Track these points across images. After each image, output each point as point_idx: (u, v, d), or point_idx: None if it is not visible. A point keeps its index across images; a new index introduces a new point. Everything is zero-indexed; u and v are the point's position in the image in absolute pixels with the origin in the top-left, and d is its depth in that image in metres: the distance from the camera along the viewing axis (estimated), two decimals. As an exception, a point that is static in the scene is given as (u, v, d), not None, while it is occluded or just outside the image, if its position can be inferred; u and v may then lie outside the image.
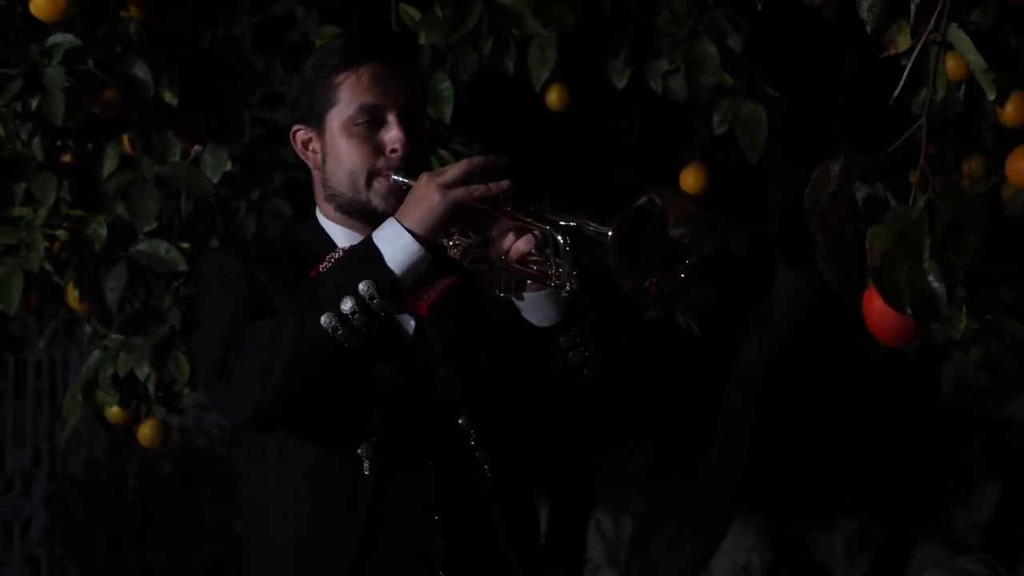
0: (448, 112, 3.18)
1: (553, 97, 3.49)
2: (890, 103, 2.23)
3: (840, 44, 3.81)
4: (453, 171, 2.31)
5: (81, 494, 6.69)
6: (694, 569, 4.77)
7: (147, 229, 3.29)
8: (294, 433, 2.40)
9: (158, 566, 6.53)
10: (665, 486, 5.41)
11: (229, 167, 3.36)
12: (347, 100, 2.46)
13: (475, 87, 3.38)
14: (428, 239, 2.30)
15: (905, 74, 2.23)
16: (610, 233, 2.14)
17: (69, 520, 6.63)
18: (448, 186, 2.30)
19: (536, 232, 2.27)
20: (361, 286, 2.27)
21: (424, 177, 2.33)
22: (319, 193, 2.53)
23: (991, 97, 2.22)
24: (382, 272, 2.28)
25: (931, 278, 2.09)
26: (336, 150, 2.47)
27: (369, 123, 2.45)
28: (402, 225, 2.31)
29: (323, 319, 2.27)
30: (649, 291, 2.19)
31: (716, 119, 3.42)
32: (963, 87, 3.41)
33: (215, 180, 3.33)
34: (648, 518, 5.07)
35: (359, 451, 2.39)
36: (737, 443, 4.66)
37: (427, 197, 2.30)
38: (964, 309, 2.06)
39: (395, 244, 2.30)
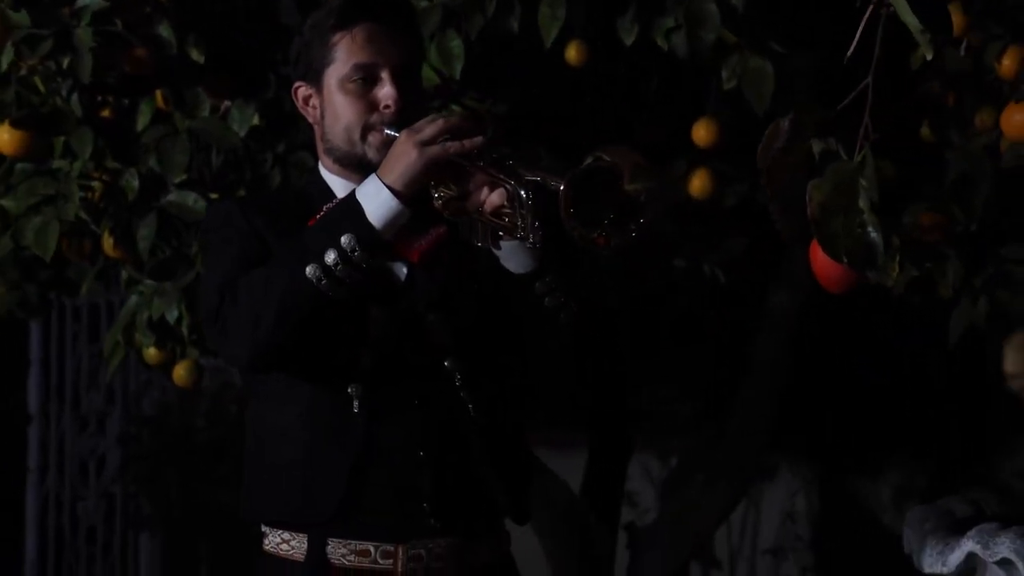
0: (458, 68, 3.32)
1: (572, 54, 3.61)
2: (844, 62, 2.34)
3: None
4: (430, 129, 2.47)
5: (153, 434, 6.90)
6: (723, 512, 4.87)
7: (177, 180, 3.47)
8: (289, 374, 2.57)
9: (226, 504, 6.74)
10: (705, 430, 5.51)
11: (256, 121, 3.51)
12: (343, 59, 2.61)
13: (490, 43, 3.52)
14: (406, 194, 2.46)
15: (858, 35, 2.34)
16: (562, 187, 2.28)
17: (142, 459, 6.84)
18: (425, 143, 2.46)
19: (508, 186, 2.42)
20: (343, 239, 2.44)
21: (403, 134, 2.49)
22: (319, 147, 2.70)
23: (928, 57, 2.32)
24: (362, 226, 2.45)
25: (870, 229, 2.21)
26: (333, 106, 2.63)
27: (363, 80, 2.60)
28: (382, 181, 2.47)
29: (308, 270, 2.44)
30: (596, 243, 2.33)
31: (724, 74, 3.53)
32: (964, 43, 3.51)
33: (242, 134, 3.49)
34: (684, 462, 5.18)
35: (349, 390, 2.56)
36: (767, 389, 4.74)
37: (405, 154, 2.46)
38: (897, 258, 2.18)
39: (375, 199, 2.46)
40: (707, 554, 6.38)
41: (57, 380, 6.79)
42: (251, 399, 2.68)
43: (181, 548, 6.82)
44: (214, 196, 3.49)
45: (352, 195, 2.49)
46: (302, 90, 2.68)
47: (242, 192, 3.56)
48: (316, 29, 2.64)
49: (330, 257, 2.43)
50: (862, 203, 2.20)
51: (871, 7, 2.31)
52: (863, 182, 2.20)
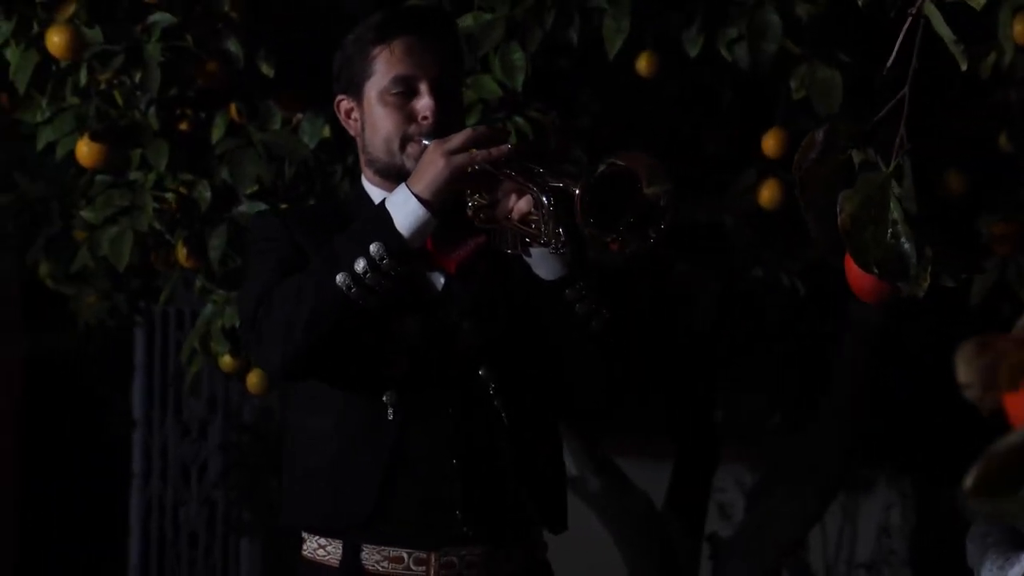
0: (520, 81, 3.36)
1: (643, 64, 3.63)
2: (884, 72, 2.33)
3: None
4: (457, 138, 2.51)
5: (254, 441, 6.97)
6: (806, 522, 4.85)
7: (248, 192, 3.54)
8: (324, 381, 2.62)
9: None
10: (789, 441, 5.48)
11: (326, 133, 3.56)
12: (382, 72, 2.66)
13: (555, 56, 3.55)
14: (434, 203, 2.50)
15: (898, 44, 2.33)
16: (577, 191, 2.30)
17: (243, 466, 6.91)
18: (452, 152, 2.49)
19: (534, 192, 2.44)
20: (372, 247, 2.48)
21: (432, 145, 2.53)
22: (361, 159, 2.75)
23: (963, 68, 2.31)
24: (391, 234, 2.49)
25: (903, 240, 2.20)
26: (373, 118, 2.67)
27: (402, 93, 2.65)
28: (410, 191, 2.51)
29: (339, 278, 2.48)
30: (610, 247, 2.35)
31: (793, 84, 3.53)
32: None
33: (312, 146, 3.55)
34: (767, 471, 5.15)
35: (384, 398, 2.60)
36: (848, 398, 4.72)
37: (433, 163, 2.51)
38: (928, 269, 2.16)
39: (404, 208, 2.50)
40: (802, 566, 6.35)
41: (160, 387, 6.93)
42: (287, 406, 2.72)
43: (280, 554, 6.89)
44: (284, 207, 3.55)
45: (382, 204, 2.54)
46: (344, 103, 2.73)
47: (312, 203, 3.61)
48: (357, 43, 2.69)
49: (359, 265, 2.47)
50: (894, 213, 2.19)
51: (911, 18, 2.29)
52: (896, 192, 2.19)
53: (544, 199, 2.38)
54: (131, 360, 6.93)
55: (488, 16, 3.36)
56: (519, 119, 3.40)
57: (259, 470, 6.87)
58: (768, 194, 3.79)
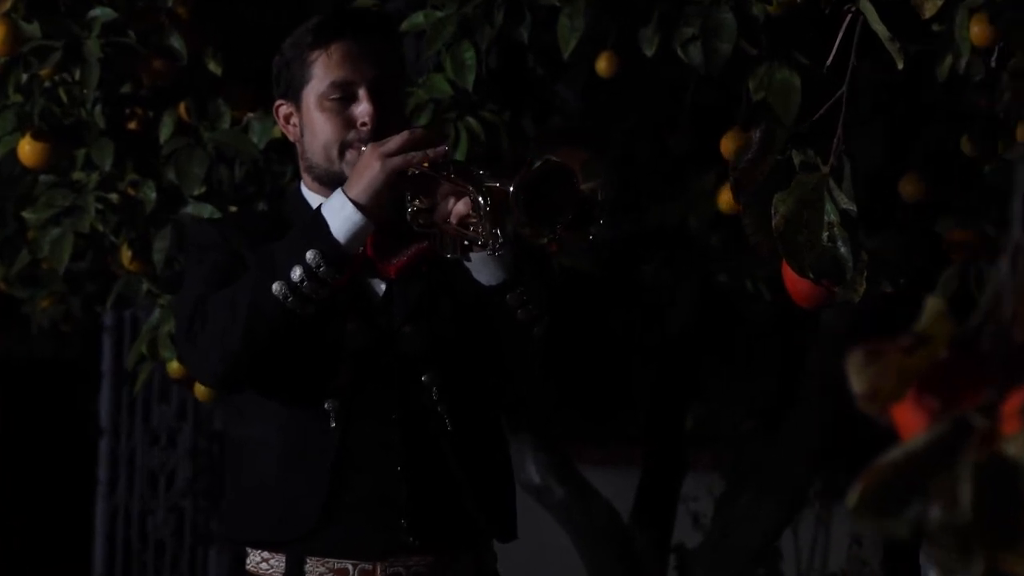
0: (470, 80, 3.28)
1: (603, 65, 3.55)
2: (824, 70, 2.26)
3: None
4: (394, 141, 2.46)
5: (223, 448, 6.92)
6: (772, 531, 4.77)
7: (195, 193, 3.46)
8: (263, 391, 2.56)
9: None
10: (752, 449, 5.42)
11: (276, 133, 3.44)
12: (320, 76, 2.60)
13: (511, 56, 3.48)
14: (370, 207, 2.44)
15: (836, 44, 2.26)
16: (511, 189, 2.24)
17: (212, 472, 6.80)
18: (388, 155, 2.44)
19: (471, 194, 2.37)
20: (308, 255, 2.42)
21: (368, 148, 2.47)
22: (300, 164, 2.71)
23: (900, 66, 2.24)
24: (327, 241, 2.43)
25: (839, 243, 2.14)
26: (312, 124, 2.62)
27: (341, 98, 2.60)
28: (346, 196, 2.44)
29: (275, 287, 2.42)
30: (548, 247, 2.29)
31: (752, 86, 3.45)
32: (996, 52, 3.39)
33: (262, 146, 3.47)
34: (732, 480, 5.09)
35: (325, 406, 2.54)
36: (817, 407, 4.64)
37: (368, 167, 2.45)
38: (865, 273, 2.09)
39: (340, 214, 2.44)
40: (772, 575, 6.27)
41: (128, 394, 6.76)
42: (227, 416, 2.66)
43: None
44: (233, 209, 3.48)
45: (318, 210, 2.48)
46: (283, 108, 2.68)
47: (261, 205, 3.54)
48: (295, 47, 2.64)
49: (296, 274, 2.42)
50: (830, 215, 2.12)
51: (848, 16, 2.23)
52: (833, 194, 2.12)
53: (480, 199, 2.31)
54: (98, 366, 6.84)
55: (439, 14, 3.28)
56: (471, 120, 3.33)
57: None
58: (727, 198, 3.71)
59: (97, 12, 3.21)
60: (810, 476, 4.76)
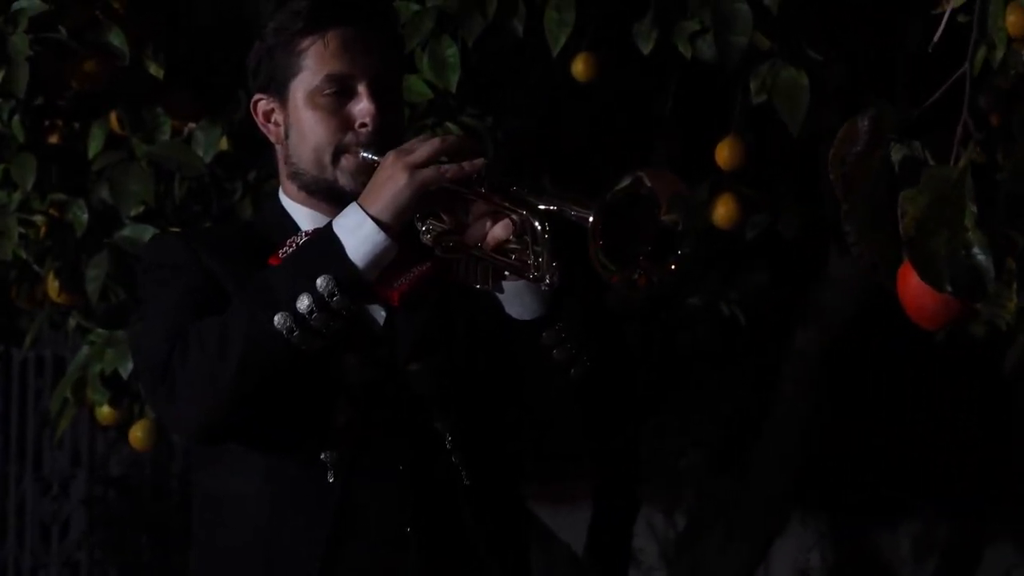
0: (453, 80, 2.94)
1: (579, 67, 3.25)
2: (928, 49, 1.93)
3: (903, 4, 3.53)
4: (422, 150, 2.11)
5: (121, 495, 6.62)
6: (744, 573, 4.52)
7: (133, 213, 3.13)
8: (248, 439, 2.19)
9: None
10: (717, 485, 5.21)
11: (224, 145, 3.17)
12: (313, 68, 2.26)
13: (491, 54, 3.15)
14: (394, 227, 2.10)
15: (941, 27, 1.93)
16: (591, 218, 1.89)
17: (109, 522, 6.57)
18: (416, 166, 2.10)
19: (514, 217, 2.06)
20: (319, 281, 2.08)
21: (390, 156, 2.13)
22: (282, 170, 2.34)
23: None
24: (342, 265, 2.09)
25: (976, 249, 1.80)
26: (300, 123, 2.28)
27: (337, 94, 2.26)
28: (365, 211, 2.10)
29: (277, 319, 2.07)
30: (637, 284, 1.96)
31: (753, 86, 3.15)
32: (1025, 49, 3.13)
33: (208, 160, 3.15)
34: (698, 519, 4.87)
35: (322, 456, 2.20)
36: (789, 440, 4.42)
37: (393, 179, 2.10)
38: (1015, 286, 1.76)
39: (357, 233, 2.10)
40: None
41: (18, 439, 6.54)
42: (198, 467, 2.27)
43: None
44: (175, 231, 3.09)
45: (329, 228, 2.13)
46: (263, 104, 2.33)
47: (208, 226, 3.18)
48: (281, 33, 2.28)
49: (303, 304, 2.08)
50: (968, 219, 1.78)
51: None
52: (970, 192, 1.78)
53: (537, 225, 1.99)
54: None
55: (416, 6, 2.92)
56: (451, 125, 2.98)
57: (126, 526, 6.56)
58: (724, 211, 3.41)
59: (24, 3, 2.82)
60: (782, 513, 4.51)
